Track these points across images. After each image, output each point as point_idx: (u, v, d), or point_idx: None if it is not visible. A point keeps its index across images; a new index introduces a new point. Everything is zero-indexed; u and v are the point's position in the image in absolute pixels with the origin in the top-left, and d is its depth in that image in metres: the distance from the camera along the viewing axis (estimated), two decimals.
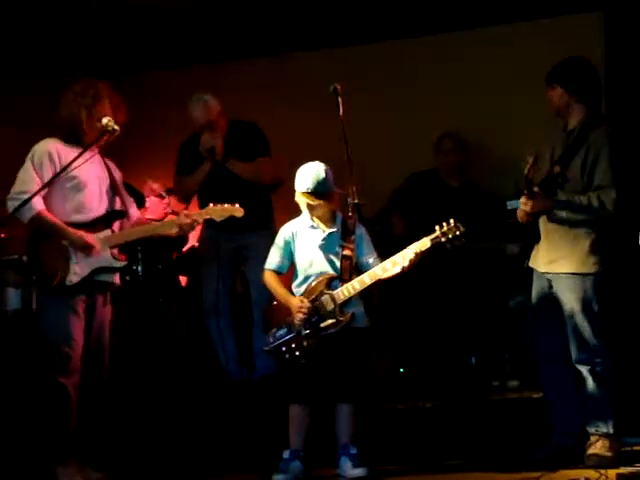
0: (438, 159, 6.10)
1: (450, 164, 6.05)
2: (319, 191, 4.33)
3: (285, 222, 4.56)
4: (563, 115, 4.51)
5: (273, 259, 4.48)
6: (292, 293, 4.44)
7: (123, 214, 4.49)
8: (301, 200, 4.39)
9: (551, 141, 4.57)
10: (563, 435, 4.44)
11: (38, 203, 4.23)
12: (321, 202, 4.35)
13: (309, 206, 4.38)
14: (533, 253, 4.54)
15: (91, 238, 4.28)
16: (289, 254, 4.46)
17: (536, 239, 4.50)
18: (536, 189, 4.34)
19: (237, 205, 4.48)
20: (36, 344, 4.44)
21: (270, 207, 5.78)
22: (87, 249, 4.27)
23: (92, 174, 4.40)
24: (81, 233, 4.28)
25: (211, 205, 4.48)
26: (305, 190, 4.34)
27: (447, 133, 6.10)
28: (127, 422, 4.94)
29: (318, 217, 4.43)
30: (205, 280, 5.81)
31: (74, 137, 4.37)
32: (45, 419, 4.27)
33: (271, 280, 4.47)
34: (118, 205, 4.49)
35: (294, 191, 4.41)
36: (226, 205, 4.47)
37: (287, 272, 4.48)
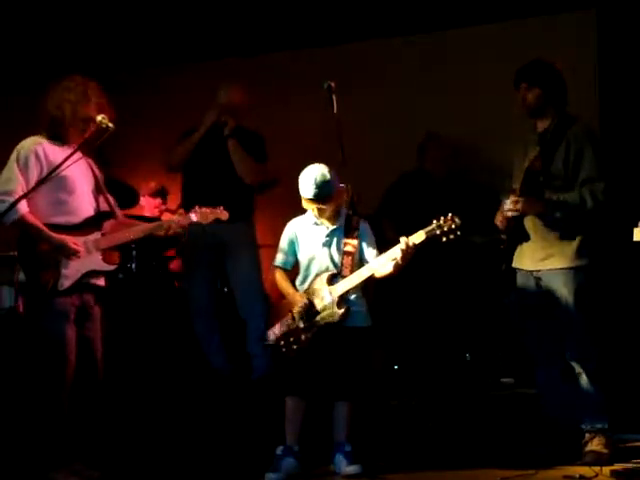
0: (425, 160, 6.07)
1: (437, 165, 6.04)
2: (324, 195, 4.32)
3: (286, 217, 4.58)
4: (536, 116, 4.51)
5: (279, 256, 4.51)
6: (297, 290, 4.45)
7: (111, 215, 4.37)
8: (308, 205, 4.39)
9: (522, 143, 4.57)
10: (558, 432, 4.44)
11: (22, 206, 4.09)
12: (327, 205, 4.36)
13: (318, 210, 4.38)
14: (517, 253, 4.51)
15: (74, 243, 4.17)
16: (293, 251, 4.49)
17: (519, 239, 4.49)
18: (517, 186, 4.36)
19: (222, 208, 4.48)
20: (28, 347, 4.37)
21: (252, 201, 5.72)
22: (70, 255, 4.16)
23: (79, 174, 4.27)
24: (63, 238, 4.16)
25: (197, 207, 4.45)
26: (311, 197, 4.33)
27: (430, 134, 6.08)
28: (121, 419, 4.93)
29: (325, 217, 4.44)
30: (190, 278, 5.78)
31: (58, 134, 4.24)
32: (37, 424, 4.17)
33: (279, 277, 4.50)
34: (104, 205, 4.37)
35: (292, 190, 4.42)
36: (212, 209, 4.45)
37: (292, 268, 4.49)
